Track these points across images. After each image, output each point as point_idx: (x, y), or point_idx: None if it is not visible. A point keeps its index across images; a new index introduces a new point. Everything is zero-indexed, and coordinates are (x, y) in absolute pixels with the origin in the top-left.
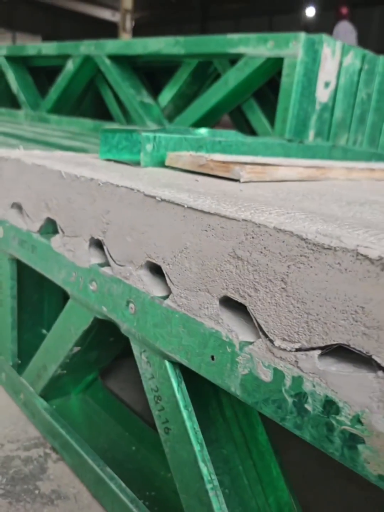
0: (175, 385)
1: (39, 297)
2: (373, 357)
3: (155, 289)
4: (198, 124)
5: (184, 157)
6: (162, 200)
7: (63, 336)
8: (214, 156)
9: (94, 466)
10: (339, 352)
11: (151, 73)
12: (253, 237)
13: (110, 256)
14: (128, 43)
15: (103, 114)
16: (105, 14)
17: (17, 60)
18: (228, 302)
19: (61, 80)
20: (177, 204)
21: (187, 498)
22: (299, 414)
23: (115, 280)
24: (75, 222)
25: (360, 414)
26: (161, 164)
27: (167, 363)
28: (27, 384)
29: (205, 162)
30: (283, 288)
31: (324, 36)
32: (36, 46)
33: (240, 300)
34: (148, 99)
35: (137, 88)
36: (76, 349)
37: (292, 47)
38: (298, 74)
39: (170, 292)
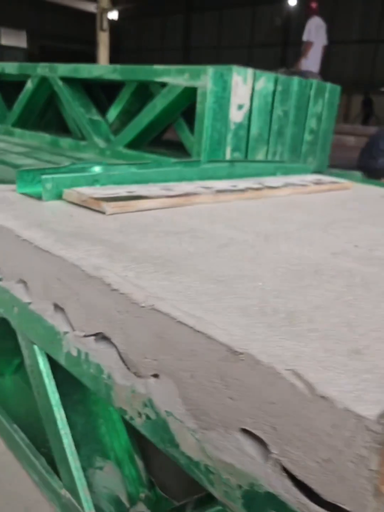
0: (41, 360)
1: None
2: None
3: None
4: (137, 139)
5: (74, 193)
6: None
7: None
8: (99, 190)
9: (7, 425)
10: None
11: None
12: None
13: None
14: (76, 68)
15: (65, 126)
16: (90, 7)
17: None
18: (58, 307)
19: (22, 97)
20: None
21: (50, 436)
22: (93, 377)
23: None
24: None
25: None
26: (61, 197)
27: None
28: None
29: (85, 198)
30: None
31: (234, 67)
32: (0, 65)
33: (62, 306)
34: (96, 116)
35: (87, 106)
36: None
37: (203, 79)
38: (209, 101)
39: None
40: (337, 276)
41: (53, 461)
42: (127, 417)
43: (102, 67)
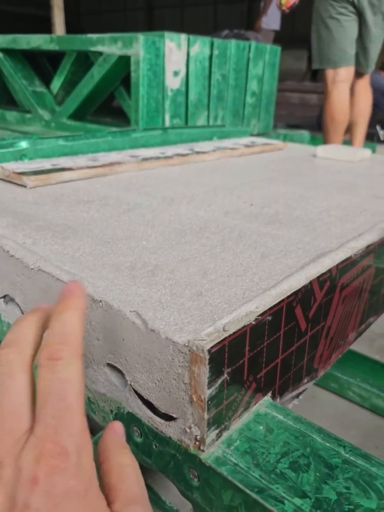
0: None
1: None
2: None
3: None
4: (79, 110)
5: None
6: None
7: None
8: (25, 165)
9: None
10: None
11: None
12: None
13: None
14: (14, 38)
15: (14, 99)
16: None
17: None
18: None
19: None
20: None
21: None
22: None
23: None
24: None
25: None
26: None
27: None
28: None
29: (8, 173)
30: None
31: (166, 33)
32: None
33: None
34: (40, 88)
35: (30, 78)
36: None
37: (135, 47)
38: (143, 69)
39: None
40: (218, 233)
41: None
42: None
43: (40, 38)
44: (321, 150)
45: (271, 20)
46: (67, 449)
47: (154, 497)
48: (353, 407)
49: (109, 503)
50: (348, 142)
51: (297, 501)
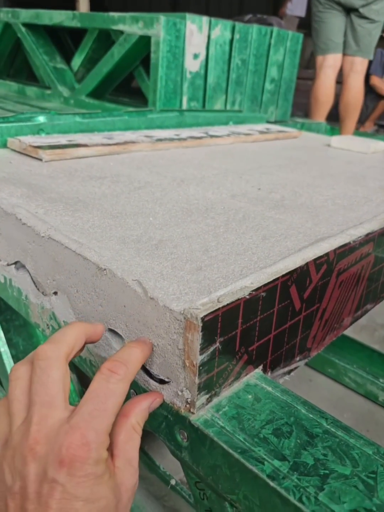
0: None
1: None
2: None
3: None
4: (99, 89)
5: (16, 142)
6: None
7: None
8: (41, 139)
9: None
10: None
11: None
12: None
13: None
14: (37, 13)
15: (33, 74)
16: None
17: None
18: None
19: None
20: None
21: None
22: (16, 299)
23: None
24: None
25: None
26: (6, 145)
27: None
28: None
29: (25, 146)
30: None
31: (188, 15)
32: None
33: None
34: (61, 64)
35: (51, 53)
36: None
37: (156, 28)
38: (163, 50)
39: None
40: (223, 214)
41: None
42: (40, 330)
43: (63, 13)
44: (336, 140)
45: (296, 6)
46: (91, 443)
47: (149, 462)
48: (348, 393)
49: (112, 456)
50: (360, 133)
51: (276, 462)
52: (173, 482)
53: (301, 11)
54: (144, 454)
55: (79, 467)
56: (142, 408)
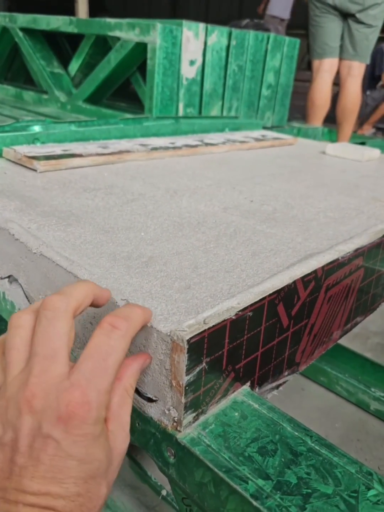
0: None
1: None
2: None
3: None
4: (95, 94)
5: (11, 151)
6: None
7: None
8: (37, 149)
9: None
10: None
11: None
12: None
13: None
14: (34, 18)
15: (31, 78)
16: None
17: None
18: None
19: None
20: None
21: None
22: (9, 312)
23: None
24: None
25: None
26: (1, 155)
27: None
28: None
29: (20, 157)
30: None
31: (184, 22)
32: None
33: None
34: (58, 69)
35: (49, 58)
36: None
37: (152, 34)
38: (159, 57)
39: None
40: (214, 228)
41: None
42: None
43: (60, 19)
44: (330, 147)
45: (274, 6)
46: (91, 403)
47: (141, 472)
48: (340, 401)
49: (106, 420)
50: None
51: (260, 482)
52: (164, 492)
53: (281, 12)
54: (135, 464)
55: (77, 425)
56: (134, 370)
